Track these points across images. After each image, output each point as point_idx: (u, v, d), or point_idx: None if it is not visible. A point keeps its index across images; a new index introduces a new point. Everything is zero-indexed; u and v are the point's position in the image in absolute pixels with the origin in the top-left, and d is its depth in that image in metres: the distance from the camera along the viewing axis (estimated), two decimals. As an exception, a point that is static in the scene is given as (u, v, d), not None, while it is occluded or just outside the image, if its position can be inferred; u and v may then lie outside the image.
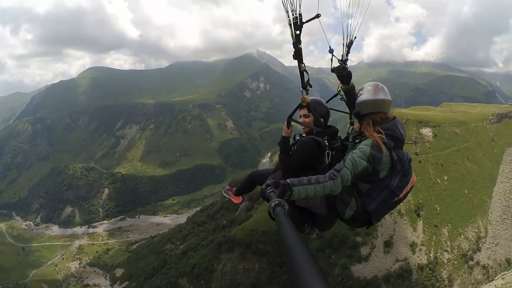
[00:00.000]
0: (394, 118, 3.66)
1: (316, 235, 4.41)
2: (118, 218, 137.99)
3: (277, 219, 1.98)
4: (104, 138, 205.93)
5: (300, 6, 3.22)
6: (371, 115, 3.60)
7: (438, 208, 53.30)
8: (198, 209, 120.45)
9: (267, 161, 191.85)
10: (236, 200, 5.62)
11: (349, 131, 4.09)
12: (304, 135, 4.52)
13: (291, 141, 4.44)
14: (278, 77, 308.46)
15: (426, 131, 63.24)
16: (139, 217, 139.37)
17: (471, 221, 53.20)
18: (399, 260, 48.55)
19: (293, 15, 3.28)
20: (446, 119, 68.14)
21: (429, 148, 60.89)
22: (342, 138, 4.23)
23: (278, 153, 4.43)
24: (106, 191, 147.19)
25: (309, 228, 4.17)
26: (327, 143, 4.10)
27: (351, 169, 3.13)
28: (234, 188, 5.67)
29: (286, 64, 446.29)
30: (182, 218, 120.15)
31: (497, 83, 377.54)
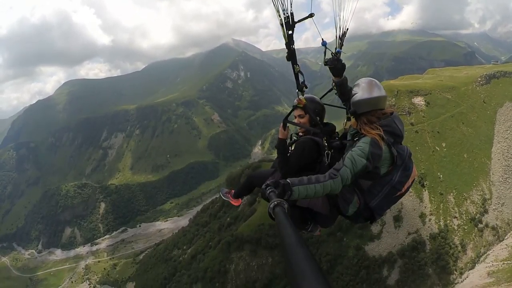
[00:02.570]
0: (392, 113, 3.62)
1: (319, 232, 4.45)
2: (119, 230, 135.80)
3: (277, 219, 2.00)
4: (91, 151, 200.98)
5: (291, 5, 3.13)
6: (368, 113, 3.56)
7: (441, 175, 53.36)
8: (198, 208, 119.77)
9: (259, 149, 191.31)
10: (236, 202, 5.59)
11: (346, 126, 4.07)
12: (301, 134, 4.46)
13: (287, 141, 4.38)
14: (257, 63, 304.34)
15: (418, 100, 63.03)
16: (140, 226, 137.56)
17: (474, 184, 53.55)
18: (411, 233, 48.64)
19: (284, 14, 3.17)
20: (436, 86, 67.92)
21: (424, 117, 60.69)
22: (340, 133, 4.25)
23: (276, 156, 4.34)
24: (103, 205, 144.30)
25: (312, 226, 4.19)
26: (325, 143, 4.07)
27: (350, 168, 3.12)
28: (233, 191, 5.63)
29: (263, 49, 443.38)
30: (183, 220, 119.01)
31: (475, 43, 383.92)
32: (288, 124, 4.17)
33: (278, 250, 53.57)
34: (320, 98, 4.50)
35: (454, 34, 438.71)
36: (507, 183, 54.59)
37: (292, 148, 4.29)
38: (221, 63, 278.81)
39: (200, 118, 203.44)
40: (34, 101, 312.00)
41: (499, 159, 57.33)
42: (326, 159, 4.03)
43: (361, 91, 3.59)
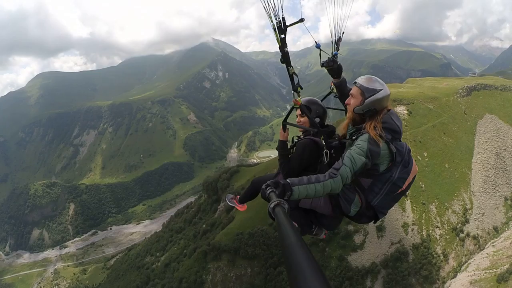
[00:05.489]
0: (389, 110, 3.56)
1: (325, 235, 4.45)
2: (90, 233, 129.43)
3: (277, 219, 1.96)
4: (62, 148, 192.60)
5: (282, 10, 3.24)
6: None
7: (423, 185, 53.18)
8: (171, 211, 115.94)
9: (235, 152, 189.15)
10: (241, 208, 5.55)
11: None
12: (301, 136, 4.48)
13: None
14: (236, 64, 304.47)
15: (401, 109, 63.09)
16: (111, 229, 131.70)
17: (456, 194, 53.81)
18: (393, 243, 47.95)
19: (276, 19, 3.29)
20: (418, 95, 68.40)
21: (406, 126, 60.49)
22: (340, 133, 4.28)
23: (278, 157, 4.37)
24: (72, 206, 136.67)
25: (317, 229, 4.19)
26: (324, 143, 4.11)
27: (350, 167, 3.12)
28: (238, 196, 5.58)
29: (243, 50, 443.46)
30: (156, 224, 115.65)
31: (451, 55, 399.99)
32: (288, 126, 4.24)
33: (258, 261, 51.53)
34: (321, 101, 4.53)
35: (430, 45, 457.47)
36: (487, 193, 55.34)
37: (294, 150, 4.31)
38: (199, 62, 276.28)
39: (176, 117, 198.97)
40: (5, 93, 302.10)
41: (479, 170, 58.09)
42: (326, 159, 4.00)
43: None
